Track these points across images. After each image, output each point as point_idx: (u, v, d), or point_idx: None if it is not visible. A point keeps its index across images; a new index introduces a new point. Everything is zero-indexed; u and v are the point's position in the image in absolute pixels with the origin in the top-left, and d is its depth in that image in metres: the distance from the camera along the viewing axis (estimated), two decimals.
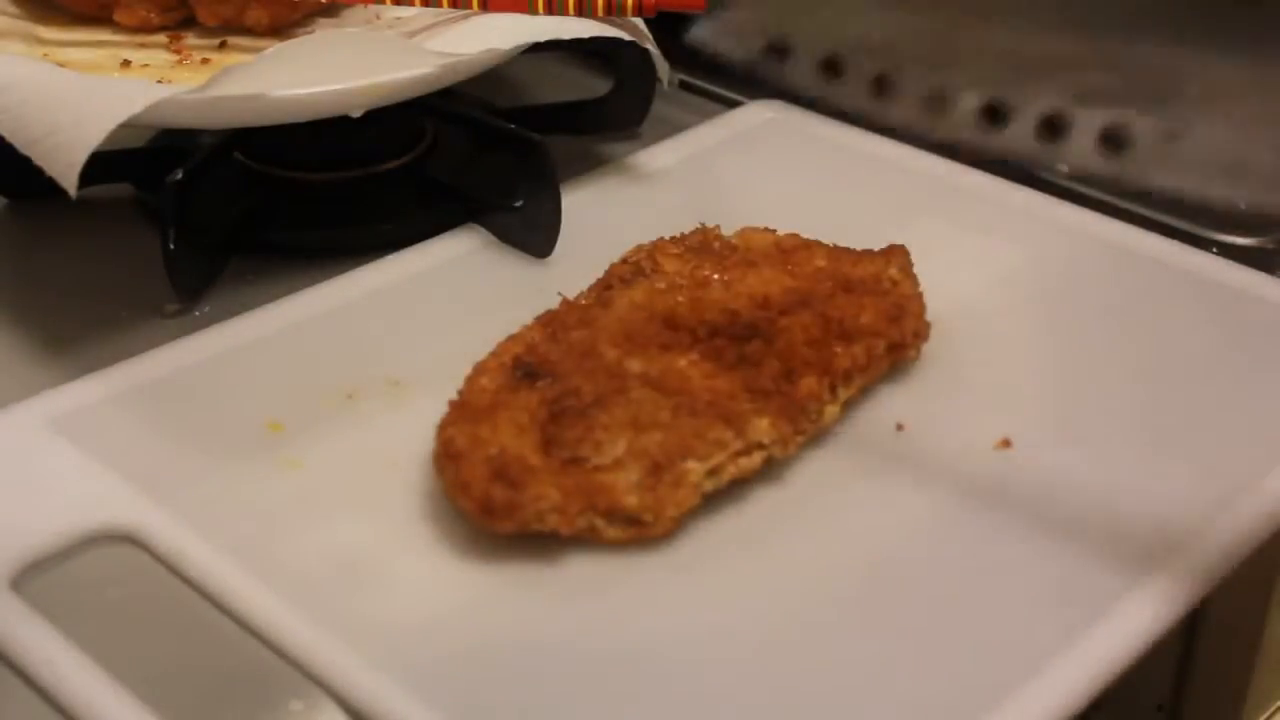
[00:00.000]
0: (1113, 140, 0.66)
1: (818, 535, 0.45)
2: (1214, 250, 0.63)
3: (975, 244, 0.60)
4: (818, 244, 0.54)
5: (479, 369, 0.47)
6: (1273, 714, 0.69)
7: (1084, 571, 0.43)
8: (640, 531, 0.43)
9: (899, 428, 0.49)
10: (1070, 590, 0.42)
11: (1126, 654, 0.41)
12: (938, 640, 0.41)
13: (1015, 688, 0.39)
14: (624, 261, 0.53)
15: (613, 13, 0.61)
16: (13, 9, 0.67)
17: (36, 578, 0.42)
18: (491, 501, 0.42)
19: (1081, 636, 0.41)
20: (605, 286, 0.52)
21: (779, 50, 0.76)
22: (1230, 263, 0.60)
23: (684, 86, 0.76)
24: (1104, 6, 0.65)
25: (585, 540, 0.43)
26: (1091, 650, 0.40)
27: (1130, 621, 0.41)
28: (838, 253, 0.54)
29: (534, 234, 0.58)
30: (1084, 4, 0.66)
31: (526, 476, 0.42)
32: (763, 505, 0.45)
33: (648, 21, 0.63)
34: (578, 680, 0.40)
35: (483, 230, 0.60)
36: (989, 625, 0.41)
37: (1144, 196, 0.67)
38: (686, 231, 0.55)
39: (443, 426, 0.45)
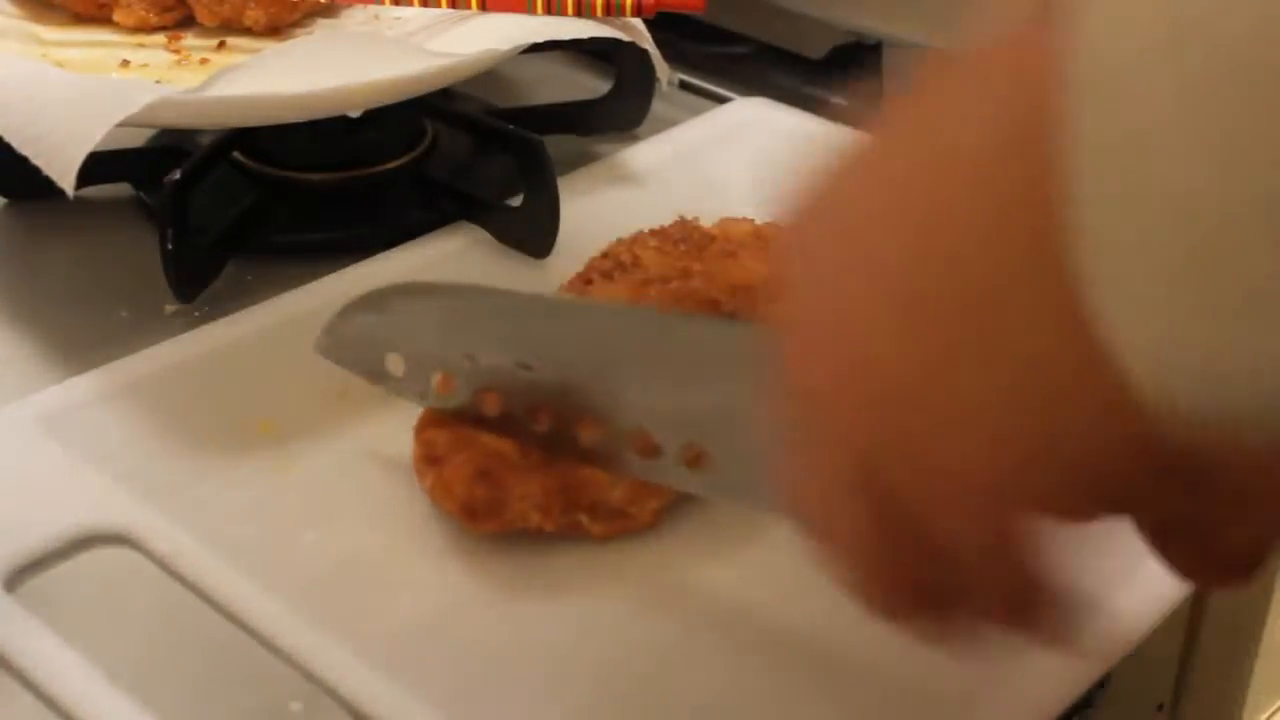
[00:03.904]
0: None
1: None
2: None
3: None
4: None
5: None
6: (1273, 714, 0.69)
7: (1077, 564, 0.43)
8: (625, 525, 0.43)
9: None
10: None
11: (1121, 647, 0.41)
12: None
13: (1005, 682, 0.39)
14: (603, 255, 0.53)
15: (611, 13, 0.61)
16: (12, 9, 0.67)
17: (31, 579, 0.42)
18: (474, 502, 0.42)
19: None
20: (585, 281, 0.51)
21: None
22: None
23: (682, 86, 0.76)
24: None
25: (572, 535, 0.43)
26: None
27: (1124, 615, 0.41)
28: None
29: (532, 235, 0.58)
30: None
31: (509, 475, 0.42)
32: None
33: (647, 22, 0.63)
34: (576, 679, 0.40)
35: (474, 227, 0.60)
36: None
37: None
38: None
39: (421, 428, 0.45)
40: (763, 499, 0.40)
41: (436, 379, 0.44)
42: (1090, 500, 0.26)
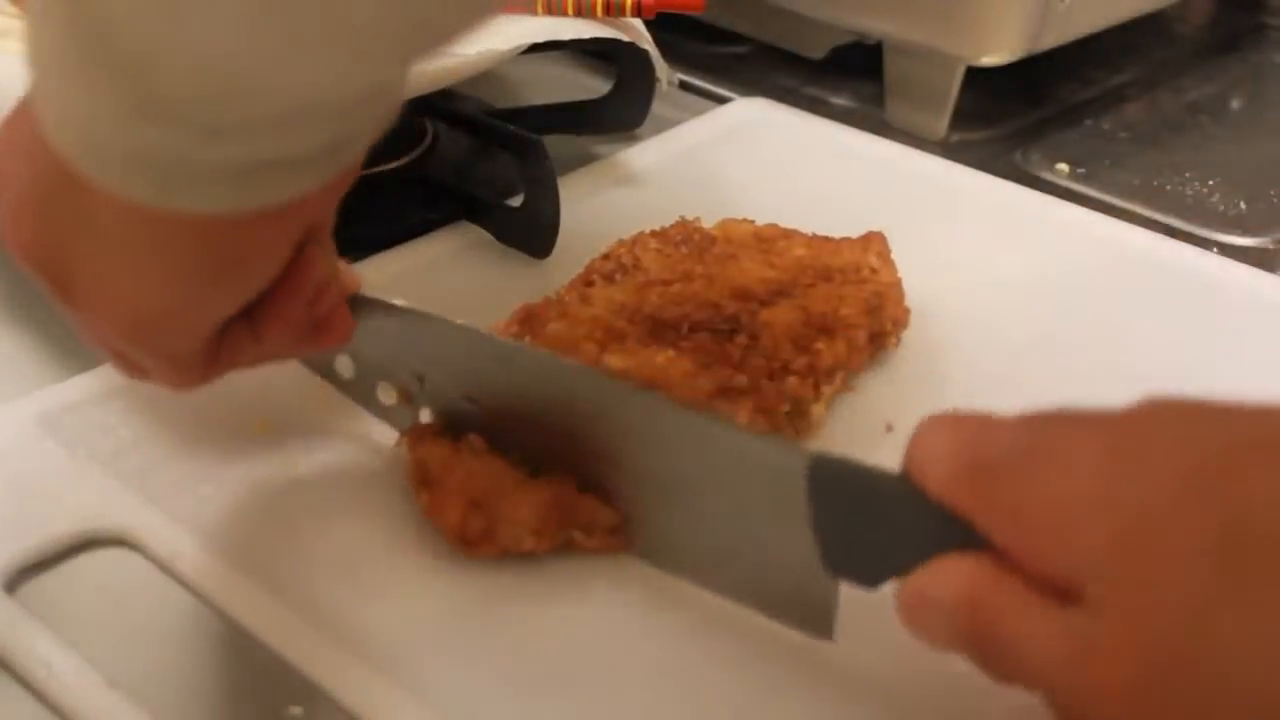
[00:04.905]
0: None
1: None
2: (1214, 250, 0.63)
3: (960, 236, 0.60)
4: (796, 233, 0.54)
5: None
6: None
7: None
8: (617, 543, 0.43)
9: (888, 429, 0.48)
10: None
11: None
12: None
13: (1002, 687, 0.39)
14: (604, 257, 0.53)
15: (611, 13, 0.61)
16: (12, 9, 0.67)
17: (31, 580, 0.42)
18: (468, 531, 0.42)
19: None
20: (586, 283, 0.51)
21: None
22: (1230, 262, 0.60)
23: (682, 86, 0.76)
24: None
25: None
26: None
27: None
28: (817, 241, 0.54)
29: (533, 235, 0.58)
30: None
31: (501, 501, 0.42)
32: None
33: (647, 22, 0.63)
34: (573, 682, 0.40)
35: (474, 227, 0.60)
36: None
37: (1143, 196, 0.67)
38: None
39: (413, 445, 0.45)
40: (686, 567, 0.42)
41: (383, 390, 0.46)
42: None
